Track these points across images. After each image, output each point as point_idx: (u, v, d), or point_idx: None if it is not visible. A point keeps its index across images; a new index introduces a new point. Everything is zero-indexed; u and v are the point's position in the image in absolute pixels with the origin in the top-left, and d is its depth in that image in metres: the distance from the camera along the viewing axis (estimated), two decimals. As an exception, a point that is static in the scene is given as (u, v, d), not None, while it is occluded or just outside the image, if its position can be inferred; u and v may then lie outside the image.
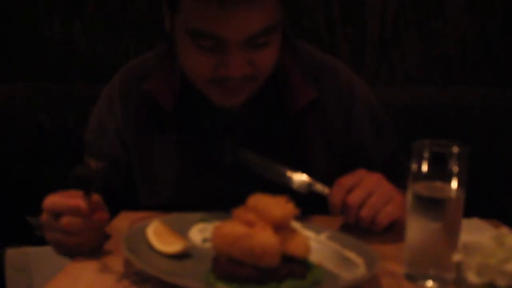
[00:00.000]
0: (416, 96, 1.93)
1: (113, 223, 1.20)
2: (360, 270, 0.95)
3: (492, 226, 1.24)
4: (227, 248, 0.88)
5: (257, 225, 0.88)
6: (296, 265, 0.89)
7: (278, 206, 0.91)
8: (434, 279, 0.98)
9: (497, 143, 1.86)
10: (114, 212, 1.21)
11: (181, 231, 1.10)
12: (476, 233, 0.96)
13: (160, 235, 1.04)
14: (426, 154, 0.97)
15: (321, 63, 1.34)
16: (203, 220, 1.16)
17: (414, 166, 0.99)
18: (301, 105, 1.28)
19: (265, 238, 0.85)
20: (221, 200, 1.14)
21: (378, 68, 2.03)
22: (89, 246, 1.02)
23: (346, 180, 1.12)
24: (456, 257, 0.82)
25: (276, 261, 0.86)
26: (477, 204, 1.06)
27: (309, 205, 1.05)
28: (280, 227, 0.89)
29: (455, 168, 0.96)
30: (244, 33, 1.08)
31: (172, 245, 1.02)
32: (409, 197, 1.00)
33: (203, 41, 1.10)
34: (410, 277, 0.99)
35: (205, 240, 1.09)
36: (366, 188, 1.10)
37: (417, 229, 0.98)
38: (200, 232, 1.12)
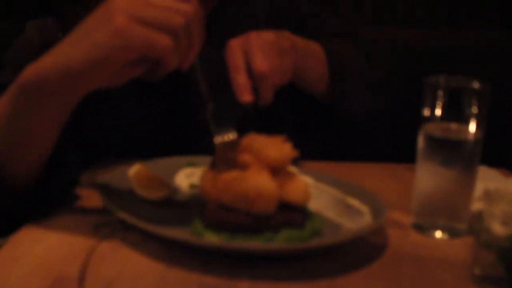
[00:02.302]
0: (419, 37, 1.81)
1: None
2: (365, 219, 0.85)
3: (503, 175, 1.16)
4: (217, 193, 0.78)
5: (252, 167, 0.77)
6: (294, 213, 0.80)
7: (275, 147, 0.80)
8: (444, 230, 0.89)
9: (504, 89, 1.75)
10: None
11: (166, 176, 0.99)
12: (489, 181, 0.87)
13: (142, 180, 0.93)
14: (440, 91, 0.87)
15: None
16: (190, 164, 1.06)
17: (427, 105, 0.88)
18: None
19: (260, 181, 0.75)
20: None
21: (378, 7, 1.90)
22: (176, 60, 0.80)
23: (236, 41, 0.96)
24: (477, 205, 0.73)
25: (272, 208, 0.77)
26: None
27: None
28: (277, 171, 0.79)
29: (474, 107, 0.86)
30: None
31: (155, 191, 0.92)
32: (420, 139, 0.90)
33: None
34: (419, 227, 0.91)
35: (192, 186, 0.99)
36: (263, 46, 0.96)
37: (429, 175, 0.89)
38: (187, 177, 1.02)
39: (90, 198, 0.95)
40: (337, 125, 1.22)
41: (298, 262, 0.76)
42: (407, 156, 1.28)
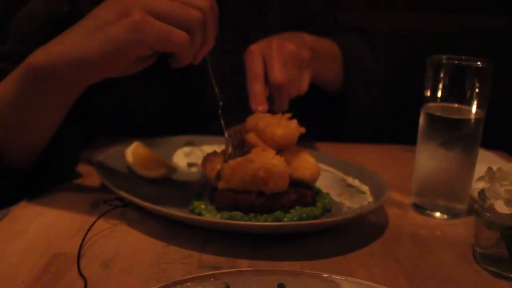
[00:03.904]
0: (417, 23, 1.79)
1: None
2: (365, 198, 0.84)
3: (500, 158, 1.15)
4: (227, 178, 0.77)
5: (257, 148, 0.76)
6: (304, 190, 0.79)
7: (280, 125, 0.79)
8: (444, 210, 0.89)
9: (501, 77, 1.74)
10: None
11: (164, 155, 0.98)
12: (489, 163, 0.86)
13: (140, 158, 0.92)
14: (443, 70, 0.86)
15: None
16: (188, 143, 1.05)
17: (428, 84, 0.88)
18: None
19: (268, 159, 0.74)
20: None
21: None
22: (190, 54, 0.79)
23: (257, 47, 0.95)
24: (479, 184, 0.72)
25: (285, 184, 0.76)
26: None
27: None
28: (284, 148, 0.78)
29: (476, 86, 0.85)
30: None
31: (154, 169, 0.91)
32: (421, 119, 0.89)
33: None
34: (418, 208, 0.90)
35: (190, 165, 0.98)
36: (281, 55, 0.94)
37: (429, 154, 0.88)
38: (186, 156, 1.01)
39: (89, 175, 0.94)
40: (344, 116, 1.23)
41: (298, 241, 0.75)
42: (400, 137, 1.29)
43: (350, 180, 0.92)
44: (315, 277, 0.56)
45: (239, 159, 0.77)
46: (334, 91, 1.21)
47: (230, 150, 0.82)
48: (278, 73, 0.90)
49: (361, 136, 1.28)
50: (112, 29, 0.73)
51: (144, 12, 0.72)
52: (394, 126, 1.36)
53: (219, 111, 0.88)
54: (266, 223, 0.73)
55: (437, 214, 0.89)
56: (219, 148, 1.02)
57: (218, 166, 0.81)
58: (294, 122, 0.81)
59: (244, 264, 0.69)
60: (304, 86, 0.98)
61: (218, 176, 0.80)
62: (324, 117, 1.25)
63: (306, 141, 0.89)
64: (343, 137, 1.25)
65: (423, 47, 1.69)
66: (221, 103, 0.88)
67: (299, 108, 0.95)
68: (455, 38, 1.71)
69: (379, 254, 0.74)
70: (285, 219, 0.75)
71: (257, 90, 0.90)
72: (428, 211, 0.89)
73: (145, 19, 0.72)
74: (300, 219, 0.76)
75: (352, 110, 1.22)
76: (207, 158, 0.84)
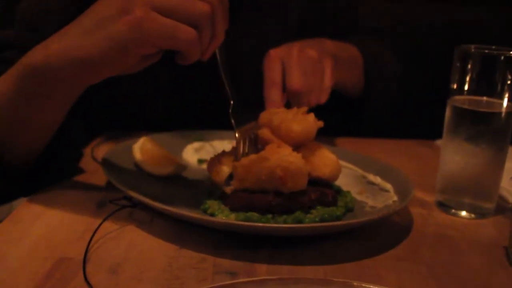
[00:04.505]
0: (430, 14, 1.73)
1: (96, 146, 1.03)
2: (389, 196, 0.79)
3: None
4: (240, 177, 0.72)
5: (272, 144, 0.71)
6: (324, 189, 0.74)
7: (297, 120, 0.74)
8: (471, 209, 0.83)
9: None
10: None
11: (173, 151, 0.93)
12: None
13: (148, 155, 0.88)
14: (471, 61, 0.80)
15: None
16: (198, 138, 1.00)
17: (455, 76, 0.82)
18: None
19: (285, 157, 0.69)
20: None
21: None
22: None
23: (277, 52, 0.92)
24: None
25: (305, 183, 0.71)
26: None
27: None
28: (302, 145, 0.73)
29: (508, 78, 0.79)
30: None
31: (163, 166, 0.86)
32: (448, 112, 0.84)
33: None
34: (443, 206, 0.85)
35: (201, 161, 0.93)
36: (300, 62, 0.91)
37: (456, 150, 0.83)
38: (196, 152, 0.96)
39: (94, 173, 0.89)
40: (362, 119, 1.21)
41: (319, 243, 0.70)
42: (413, 132, 1.24)
43: (371, 177, 0.87)
44: (345, 286, 0.51)
45: (252, 156, 0.71)
46: (353, 95, 1.17)
47: (241, 149, 0.77)
48: (296, 80, 0.86)
49: (373, 131, 1.23)
50: (113, 27, 0.67)
51: (147, 7, 0.66)
52: (407, 121, 1.32)
53: (230, 110, 0.82)
54: (288, 225, 0.68)
55: (463, 213, 0.84)
56: (230, 143, 0.97)
57: (225, 169, 0.75)
58: (311, 116, 0.76)
59: (263, 270, 0.64)
60: (324, 95, 0.94)
61: (229, 179, 0.75)
62: (341, 119, 1.22)
63: (323, 135, 0.83)
64: (353, 131, 1.20)
65: (439, 39, 1.64)
66: (231, 102, 0.82)
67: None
68: (475, 30, 1.64)
69: (407, 257, 0.69)
70: (306, 220, 0.70)
71: (273, 97, 0.86)
72: (453, 210, 0.84)
73: (148, 15, 0.66)
74: (322, 220, 0.70)
75: (371, 114, 1.19)
76: (213, 161, 0.78)
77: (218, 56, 0.80)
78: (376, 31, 1.27)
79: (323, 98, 0.93)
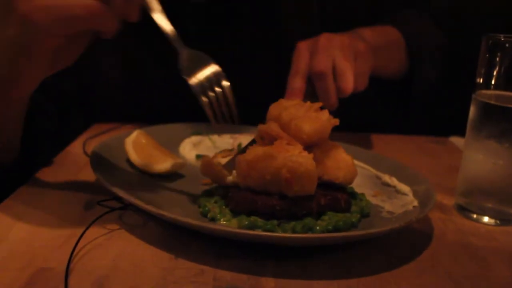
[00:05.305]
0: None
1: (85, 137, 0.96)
2: (408, 200, 0.71)
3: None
4: (243, 174, 0.64)
5: (280, 140, 0.63)
6: (337, 193, 0.66)
7: (309, 118, 0.66)
8: (493, 215, 0.77)
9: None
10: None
11: (170, 146, 0.86)
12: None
13: (142, 150, 0.80)
14: (500, 52, 0.73)
15: None
16: (197, 132, 0.92)
17: (482, 68, 0.75)
18: None
19: (293, 157, 0.61)
20: None
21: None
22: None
23: (305, 43, 0.88)
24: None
25: (313, 187, 0.63)
26: None
27: None
28: (314, 144, 0.65)
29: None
30: None
31: (158, 163, 0.79)
32: (472, 108, 0.76)
33: None
34: (463, 210, 0.78)
35: (199, 157, 0.86)
36: (328, 49, 0.86)
37: (480, 149, 0.77)
38: (194, 147, 0.89)
39: (81, 169, 0.81)
40: (408, 103, 1.14)
41: (331, 252, 0.63)
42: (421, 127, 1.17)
43: (386, 178, 0.79)
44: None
45: (258, 151, 0.63)
46: (395, 78, 1.11)
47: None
48: (319, 61, 0.81)
49: (375, 125, 1.16)
50: (6, 32, 0.61)
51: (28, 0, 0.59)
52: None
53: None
54: (299, 236, 0.60)
55: (485, 219, 0.77)
56: (231, 138, 0.90)
57: (221, 160, 0.69)
58: (325, 113, 0.68)
59: (270, 285, 0.56)
60: (364, 78, 0.87)
61: (230, 166, 0.67)
62: (386, 106, 1.16)
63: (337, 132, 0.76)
64: (355, 125, 1.12)
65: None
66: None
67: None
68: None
69: (430, 270, 0.62)
70: (318, 227, 0.62)
71: (294, 84, 0.81)
72: (475, 215, 0.77)
73: (34, 5, 0.58)
74: (335, 228, 0.63)
75: (417, 95, 1.13)
76: (206, 163, 0.70)
77: (152, 16, 0.71)
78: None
79: (363, 82, 0.87)
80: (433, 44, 1.14)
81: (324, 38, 0.84)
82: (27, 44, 0.61)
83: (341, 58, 0.81)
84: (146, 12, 0.70)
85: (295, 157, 0.61)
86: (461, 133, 1.18)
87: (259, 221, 0.62)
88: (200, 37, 0.99)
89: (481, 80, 0.75)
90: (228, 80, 0.74)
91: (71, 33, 0.61)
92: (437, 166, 0.98)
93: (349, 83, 0.80)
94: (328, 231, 0.63)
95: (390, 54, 1.04)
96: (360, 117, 1.16)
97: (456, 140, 1.14)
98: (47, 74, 0.66)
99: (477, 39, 0.78)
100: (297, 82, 0.81)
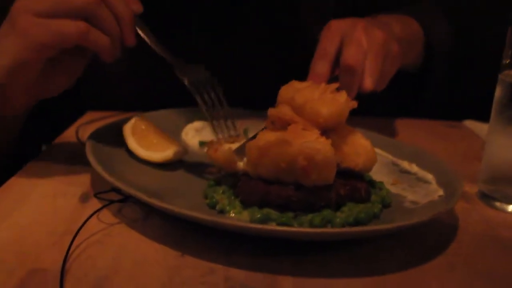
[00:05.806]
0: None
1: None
2: (434, 190, 0.66)
3: None
4: (254, 162, 0.59)
5: (295, 124, 0.58)
6: (356, 182, 0.61)
7: (325, 100, 0.60)
8: (519, 203, 0.71)
9: None
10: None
11: (171, 132, 0.81)
12: None
13: (142, 137, 0.75)
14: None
15: None
16: (200, 116, 0.86)
17: (510, 50, 0.71)
18: None
19: (310, 143, 0.56)
20: None
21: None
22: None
23: (339, 23, 0.82)
24: None
25: (332, 176, 0.58)
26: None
27: None
28: (331, 129, 0.60)
29: None
30: None
31: (159, 151, 0.74)
32: (498, 90, 0.71)
33: None
34: (486, 198, 0.74)
35: (203, 143, 0.81)
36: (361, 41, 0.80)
37: (506, 133, 0.71)
38: (197, 133, 0.83)
39: (75, 160, 0.76)
40: (423, 92, 1.09)
41: (352, 247, 0.58)
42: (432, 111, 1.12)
43: (405, 164, 0.74)
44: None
45: (271, 137, 0.58)
46: (410, 70, 1.06)
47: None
48: (353, 54, 0.74)
49: (387, 109, 1.11)
50: (5, 43, 0.68)
51: (29, 15, 0.66)
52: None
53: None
54: (318, 230, 0.55)
55: (511, 207, 0.72)
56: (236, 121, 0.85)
57: (227, 146, 0.65)
58: (343, 95, 0.62)
59: (288, 285, 0.51)
60: (385, 81, 0.81)
61: (240, 152, 0.63)
62: (398, 96, 1.09)
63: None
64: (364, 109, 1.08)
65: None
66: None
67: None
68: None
69: (461, 266, 0.57)
70: (337, 220, 0.57)
71: (319, 69, 0.75)
72: (499, 203, 0.72)
73: (31, 23, 0.66)
74: (356, 220, 0.58)
75: (431, 87, 1.08)
76: (215, 147, 0.66)
77: (142, 34, 0.76)
78: None
79: (382, 85, 0.81)
80: (448, 39, 1.10)
81: (362, 29, 0.78)
82: (20, 55, 0.66)
83: (373, 57, 0.75)
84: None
85: (312, 143, 0.56)
86: (474, 117, 1.14)
87: (273, 213, 0.57)
88: (211, 28, 0.99)
89: (508, 62, 0.70)
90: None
91: (64, 47, 0.68)
92: (453, 151, 0.94)
93: (371, 85, 0.75)
94: (349, 223, 0.57)
95: (412, 48, 0.99)
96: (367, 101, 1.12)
97: (471, 123, 1.09)
98: (44, 94, 0.72)
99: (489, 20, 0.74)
100: (322, 67, 0.75)
